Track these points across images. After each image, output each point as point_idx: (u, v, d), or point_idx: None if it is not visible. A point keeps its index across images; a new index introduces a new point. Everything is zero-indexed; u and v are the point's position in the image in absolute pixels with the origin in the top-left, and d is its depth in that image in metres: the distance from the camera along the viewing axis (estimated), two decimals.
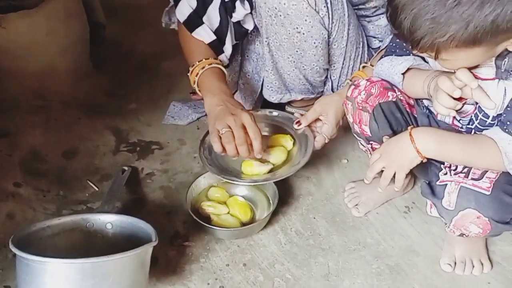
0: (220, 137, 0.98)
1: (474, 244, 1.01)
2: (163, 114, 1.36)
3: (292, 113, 1.17)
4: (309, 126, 1.11)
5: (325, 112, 1.10)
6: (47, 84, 1.41)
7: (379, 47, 1.16)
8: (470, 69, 0.80)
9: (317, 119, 1.11)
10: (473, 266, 1.00)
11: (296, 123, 1.11)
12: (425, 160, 0.86)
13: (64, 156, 1.26)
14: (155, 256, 0.91)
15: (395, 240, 1.06)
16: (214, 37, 1.09)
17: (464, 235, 0.90)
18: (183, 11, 1.09)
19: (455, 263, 1.00)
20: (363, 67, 1.11)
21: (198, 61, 1.07)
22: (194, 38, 1.10)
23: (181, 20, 1.10)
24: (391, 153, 0.88)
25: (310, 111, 1.12)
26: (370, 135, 0.98)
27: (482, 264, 1.00)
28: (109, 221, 0.97)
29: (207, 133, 1.08)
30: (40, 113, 1.37)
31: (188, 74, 1.09)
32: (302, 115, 1.13)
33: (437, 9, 0.71)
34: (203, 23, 1.09)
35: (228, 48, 1.12)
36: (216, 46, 1.11)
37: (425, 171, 0.96)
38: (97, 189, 1.17)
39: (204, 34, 1.09)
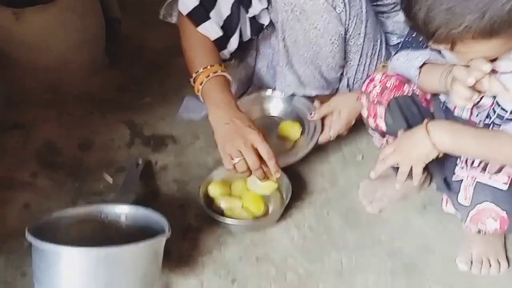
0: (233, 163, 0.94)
1: (492, 243, 0.99)
2: (177, 108, 1.36)
3: (312, 101, 1.18)
4: (322, 119, 1.12)
5: (338, 109, 1.10)
6: (61, 78, 1.42)
7: (397, 44, 1.15)
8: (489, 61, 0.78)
9: (331, 114, 1.11)
10: (490, 266, 0.98)
11: (310, 114, 1.14)
12: (441, 154, 0.85)
13: (80, 149, 1.27)
14: (168, 248, 0.91)
15: (410, 238, 1.04)
16: (221, 33, 1.05)
17: (481, 232, 0.88)
18: (188, 3, 1.03)
19: (472, 262, 0.98)
20: (383, 66, 1.09)
21: (203, 68, 1.02)
22: (196, 35, 1.04)
23: (184, 13, 1.04)
24: (406, 147, 0.87)
25: (325, 105, 1.13)
26: (385, 129, 0.97)
27: (499, 263, 0.98)
28: (123, 213, 0.97)
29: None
30: (54, 107, 1.38)
31: (191, 80, 1.04)
32: (319, 104, 1.14)
33: None
34: (209, 18, 1.04)
35: (232, 44, 1.09)
36: (221, 42, 1.07)
37: (441, 167, 0.95)
38: (111, 181, 1.18)
39: (211, 29, 1.04)
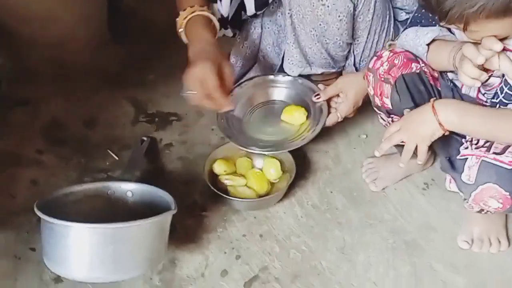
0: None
1: (493, 222, 1.00)
2: (181, 85, 1.34)
3: (317, 84, 1.17)
4: (327, 100, 1.11)
5: (345, 90, 1.09)
6: (65, 54, 1.41)
7: (406, 20, 1.12)
8: (499, 40, 0.77)
9: (337, 95, 1.10)
10: (491, 244, 0.99)
11: (316, 95, 1.12)
12: (447, 133, 0.85)
13: (85, 125, 1.27)
14: (174, 225, 0.92)
15: (413, 216, 1.06)
16: None
17: (483, 211, 0.89)
18: None
19: (473, 240, 1.00)
20: (389, 45, 1.07)
21: (190, 6, 1.03)
22: None
23: None
24: (412, 125, 0.87)
25: (331, 86, 1.11)
26: (391, 108, 0.96)
27: (499, 242, 0.99)
28: (129, 189, 0.98)
29: None
30: (59, 82, 1.37)
31: (177, 19, 1.05)
32: (324, 87, 1.12)
33: None
34: None
35: (224, 7, 1.07)
36: None
37: (446, 146, 0.95)
38: (117, 158, 1.18)
39: None
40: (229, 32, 1.17)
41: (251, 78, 1.21)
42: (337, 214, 1.06)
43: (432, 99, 0.86)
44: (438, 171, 1.13)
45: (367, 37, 1.12)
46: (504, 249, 0.99)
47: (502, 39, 0.77)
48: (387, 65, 0.93)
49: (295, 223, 1.05)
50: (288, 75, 1.18)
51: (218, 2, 1.07)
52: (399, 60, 0.93)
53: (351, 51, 1.16)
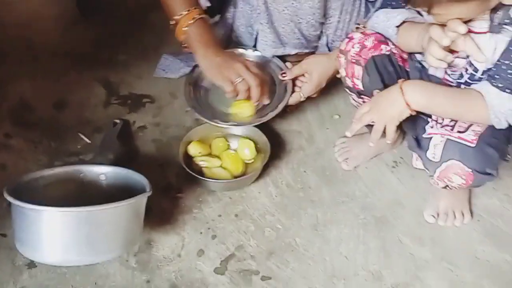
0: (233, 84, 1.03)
1: (458, 197, 1.05)
2: (154, 66, 1.33)
3: (285, 62, 1.18)
4: (293, 80, 1.14)
5: (310, 70, 1.11)
6: (33, 33, 1.37)
7: (375, 0, 1.14)
8: (464, 23, 0.79)
9: (302, 75, 1.13)
10: (455, 218, 1.04)
11: (282, 73, 1.14)
12: (414, 113, 0.87)
13: (54, 108, 1.24)
14: (149, 207, 0.93)
15: (383, 193, 1.09)
16: None
17: (448, 187, 0.93)
18: None
19: (438, 214, 1.04)
20: (357, 28, 1.08)
21: (186, 11, 1.04)
22: None
23: None
24: (381, 106, 0.89)
25: (296, 66, 1.14)
26: (362, 89, 0.98)
27: (463, 215, 1.05)
28: (102, 172, 0.98)
29: (190, 75, 1.14)
30: (28, 63, 1.33)
31: (171, 24, 1.05)
32: (292, 65, 1.14)
33: None
34: None
35: None
36: None
37: (413, 126, 0.98)
38: (89, 141, 1.17)
39: None
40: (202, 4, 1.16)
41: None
42: (311, 193, 1.09)
43: (400, 80, 0.88)
44: (406, 150, 1.16)
45: (339, 17, 1.13)
46: (467, 222, 1.04)
47: (466, 22, 0.80)
48: (358, 47, 0.95)
49: (269, 202, 1.07)
50: (257, 51, 1.19)
51: None
52: (369, 42, 0.94)
53: (323, 31, 1.17)
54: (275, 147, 1.14)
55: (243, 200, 1.07)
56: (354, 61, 0.96)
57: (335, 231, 1.02)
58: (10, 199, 0.82)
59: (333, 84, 1.31)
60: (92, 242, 0.83)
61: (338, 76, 1.11)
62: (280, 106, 1.11)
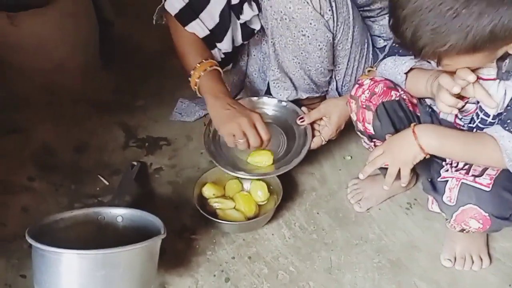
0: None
1: (475, 240, 1.03)
2: (171, 110, 1.38)
3: (300, 107, 1.21)
4: (311, 124, 1.15)
5: (328, 114, 1.14)
6: (57, 81, 1.43)
7: (384, 47, 1.18)
8: (472, 70, 0.82)
9: (320, 118, 1.15)
10: (473, 262, 1.02)
11: (300, 119, 1.16)
12: (427, 156, 0.88)
13: (75, 151, 1.29)
14: (164, 248, 0.94)
15: (397, 236, 1.08)
16: (208, 32, 1.10)
17: (464, 231, 0.92)
18: (175, 5, 1.08)
19: (455, 258, 1.03)
20: (368, 71, 1.12)
21: (199, 63, 1.09)
22: (186, 32, 1.10)
23: (172, 13, 1.09)
24: (394, 149, 0.90)
25: (315, 110, 1.16)
26: (373, 133, 1.00)
27: (481, 260, 1.02)
28: (119, 214, 1.00)
29: (208, 127, 1.15)
30: (50, 109, 1.39)
31: (189, 76, 1.10)
32: (308, 111, 1.16)
33: (436, 20, 0.73)
34: (197, 18, 1.09)
35: (224, 45, 1.13)
36: (211, 40, 1.12)
37: (427, 168, 0.98)
38: (107, 183, 1.20)
39: (198, 28, 1.09)
40: (217, 57, 1.22)
41: (237, 98, 1.25)
42: (324, 235, 1.09)
43: (412, 124, 0.90)
44: (420, 191, 1.16)
45: (347, 64, 1.17)
46: (485, 266, 1.02)
47: (474, 69, 0.82)
48: (368, 93, 0.98)
49: (282, 244, 1.07)
50: (273, 97, 1.22)
51: (218, 44, 1.13)
52: (379, 88, 0.97)
53: (333, 77, 1.21)
54: (288, 189, 1.15)
55: (256, 242, 1.08)
56: (364, 106, 0.98)
57: (349, 274, 1.01)
58: (30, 241, 0.84)
59: (345, 126, 1.34)
60: (109, 284, 0.84)
61: None
62: (304, 152, 1.12)
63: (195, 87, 1.10)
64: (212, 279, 1.01)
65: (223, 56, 1.16)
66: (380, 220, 1.12)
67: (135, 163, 1.23)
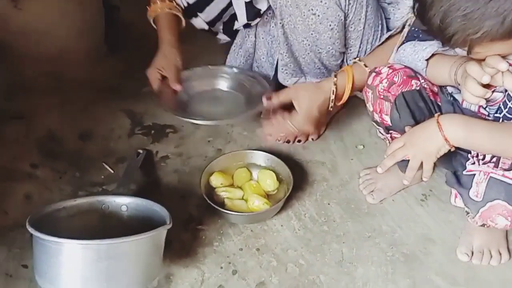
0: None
1: (494, 234, 0.99)
2: None
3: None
4: (281, 111, 1.09)
5: (296, 97, 1.05)
6: (62, 67, 1.41)
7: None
8: (503, 57, 0.76)
9: (294, 113, 1.07)
10: (491, 257, 0.98)
11: (267, 98, 1.09)
12: (453, 149, 0.83)
13: (80, 138, 1.26)
14: (169, 239, 0.91)
15: (411, 228, 1.04)
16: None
17: (485, 225, 0.87)
18: None
19: (473, 252, 0.98)
20: (354, 62, 1.06)
21: (160, 1, 1.12)
22: None
23: None
24: (416, 141, 0.85)
25: (283, 91, 1.09)
26: (391, 124, 0.95)
27: (500, 254, 0.98)
28: (124, 203, 0.97)
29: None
30: (55, 96, 1.37)
31: (148, 7, 1.15)
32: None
33: (469, 5, 0.68)
34: None
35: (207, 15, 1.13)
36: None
37: (449, 161, 0.93)
38: (112, 171, 1.17)
39: None
40: (225, 38, 1.18)
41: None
42: (335, 227, 1.05)
43: (436, 114, 0.84)
44: (436, 182, 1.12)
45: (360, 46, 1.12)
46: (505, 261, 0.98)
47: (504, 56, 0.77)
48: (386, 82, 0.92)
49: (292, 236, 1.04)
50: (235, 68, 1.23)
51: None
52: (398, 77, 0.91)
53: (344, 60, 1.16)
54: (298, 178, 1.12)
55: (265, 233, 1.04)
56: (382, 97, 0.93)
57: (361, 268, 0.98)
58: (31, 230, 0.82)
59: (356, 113, 1.29)
60: (112, 276, 0.81)
61: (330, 109, 1.07)
62: (252, 110, 1.11)
63: (151, 17, 1.15)
64: (219, 271, 0.98)
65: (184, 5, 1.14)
66: (393, 211, 1.08)
67: (140, 151, 1.20)
